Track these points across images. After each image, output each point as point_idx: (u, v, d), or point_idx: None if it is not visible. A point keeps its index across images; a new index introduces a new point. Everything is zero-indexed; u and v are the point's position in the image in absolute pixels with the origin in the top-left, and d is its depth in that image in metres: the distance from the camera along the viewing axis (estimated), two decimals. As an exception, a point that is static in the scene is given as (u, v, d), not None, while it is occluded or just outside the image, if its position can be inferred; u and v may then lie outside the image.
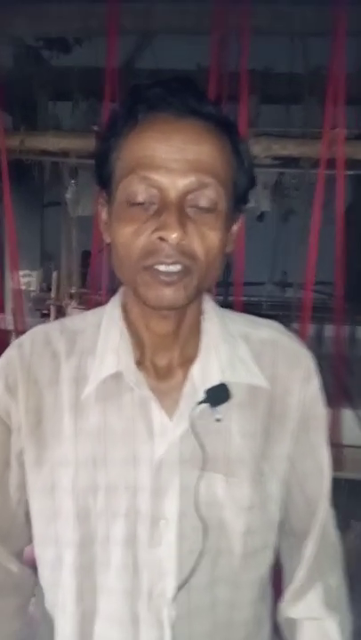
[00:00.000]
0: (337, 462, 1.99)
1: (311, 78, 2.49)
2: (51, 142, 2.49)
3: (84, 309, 3.29)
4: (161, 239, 0.73)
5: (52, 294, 3.26)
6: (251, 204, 2.96)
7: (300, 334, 2.14)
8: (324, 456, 0.97)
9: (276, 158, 2.57)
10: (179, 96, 0.76)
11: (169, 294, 0.76)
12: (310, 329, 2.65)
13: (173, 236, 0.72)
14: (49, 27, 2.34)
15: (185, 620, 0.87)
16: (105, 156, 0.80)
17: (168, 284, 0.76)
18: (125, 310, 0.89)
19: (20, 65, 3.13)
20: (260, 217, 3.36)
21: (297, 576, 0.98)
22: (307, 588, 0.97)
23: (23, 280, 3.51)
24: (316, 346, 3.08)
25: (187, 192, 0.74)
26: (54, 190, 3.45)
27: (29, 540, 0.94)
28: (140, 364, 0.87)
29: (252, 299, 3.53)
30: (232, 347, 0.89)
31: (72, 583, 0.88)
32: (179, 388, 0.86)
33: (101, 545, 0.86)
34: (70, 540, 0.87)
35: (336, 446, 1.90)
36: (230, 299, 3.52)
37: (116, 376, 0.85)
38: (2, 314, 2.89)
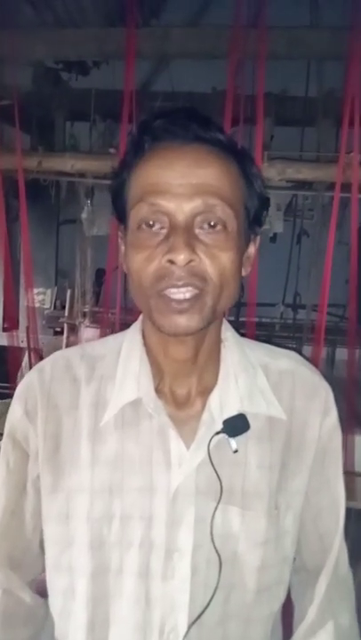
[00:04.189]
0: (349, 492, 1.95)
1: (325, 101, 2.50)
2: (68, 163, 2.52)
3: (97, 328, 3.30)
4: (170, 262, 0.74)
5: (66, 312, 3.27)
6: (264, 226, 2.96)
7: (314, 358, 2.13)
8: (339, 491, 0.95)
9: (289, 180, 2.58)
10: (181, 125, 0.78)
11: (183, 322, 0.76)
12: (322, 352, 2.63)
13: (181, 257, 0.73)
14: (67, 51, 2.38)
15: None
16: (120, 189, 0.82)
17: (181, 311, 0.76)
18: (145, 337, 0.89)
19: (38, 86, 3.18)
20: (273, 238, 3.36)
21: (308, 613, 0.96)
22: (317, 627, 0.95)
23: (37, 298, 3.53)
24: (328, 369, 3.05)
25: (194, 215, 0.75)
26: (70, 208, 3.48)
27: (43, 569, 0.93)
28: (158, 391, 0.86)
29: (264, 320, 3.52)
30: (251, 376, 0.89)
31: (84, 614, 0.86)
32: (197, 416, 0.85)
33: (114, 576, 0.85)
34: (83, 569, 0.86)
35: (349, 475, 1.86)
36: (242, 319, 3.52)
37: (136, 403, 0.85)
38: (16, 331, 2.91)
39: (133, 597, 0.84)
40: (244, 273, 0.85)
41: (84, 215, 2.96)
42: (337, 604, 0.96)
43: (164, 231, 0.76)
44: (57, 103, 3.21)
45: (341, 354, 3.27)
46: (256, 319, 3.56)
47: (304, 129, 3.08)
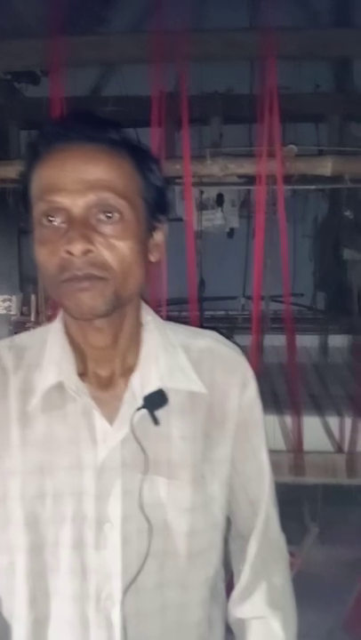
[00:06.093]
0: (299, 468, 2.06)
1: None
2: (18, 170, 2.54)
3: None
4: (69, 253, 0.79)
5: (32, 317, 3.30)
6: (220, 222, 3.03)
7: (252, 345, 2.20)
8: (264, 458, 1.01)
9: (241, 176, 2.64)
10: (73, 128, 0.83)
11: (87, 300, 0.81)
12: (282, 340, 2.71)
13: (78, 247, 0.78)
14: (10, 62, 2.42)
15: (134, 622, 0.89)
16: (24, 193, 0.87)
17: (82, 289, 0.81)
18: (66, 325, 0.94)
19: (-7, 98, 3.21)
20: (231, 233, 3.42)
21: (242, 576, 1.02)
22: (252, 588, 1.01)
23: (3, 304, 3.55)
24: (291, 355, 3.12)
25: (89, 207, 0.80)
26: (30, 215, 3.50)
27: None
28: (83, 375, 0.91)
29: (230, 312, 3.59)
30: (172, 356, 0.94)
31: (25, 589, 0.91)
32: (120, 396, 0.90)
33: (51, 550, 0.90)
34: (21, 546, 0.90)
35: (298, 453, 1.96)
36: (205, 314, 3.57)
37: (59, 387, 0.90)
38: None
39: (70, 569, 0.89)
40: (153, 259, 0.91)
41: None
42: (270, 565, 1.02)
43: (64, 225, 0.81)
44: (9, 113, 3.24)
45: (305, 341, 3.38)
46: (223, 312, 3.65)
47: (251, 126, 3.16)
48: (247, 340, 2.42)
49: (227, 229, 3.25)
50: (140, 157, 0.87)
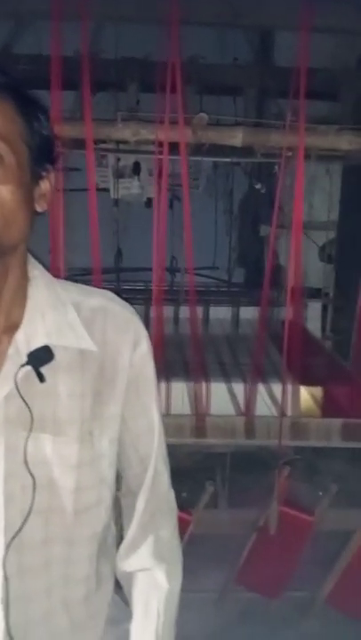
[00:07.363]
0: (200, 431, 2.15)
1: (186, 67, 2.56)
2: None
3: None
4: None
5: None
6: (136, 190, 3.00)
7: (156, 317, 2.23)
8: (154, 415, 1.03)
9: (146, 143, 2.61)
10: None
11: None
12: (197, 311, 2.75)
13: None
14: None
15: (17, 578, 0.90)
16: None
17: None
18: None
19: None
20: (148, 203, 3.41)
21: (130, 531, 1.04)
22: (139, 542, 1.03)
23: None
24: (203, 328, 3.21)
25: None
26: None
27: None
28: None
29: (150, 284, 3.59)
30: (61, 313, 0.93)
31: None
32: (3, 352, 0.89)
33: None
34: None
35: (200, 416, 2.05)
36: (123, 286, 3.55)
37: None
38: None
39: None
40: (39, 209, 0.89)
41: None
42: (158, 519, 1.05)
43: None
44: None
45: (220, 313, 3.49)
46: (142, 285, 3.64)
47: (168, 95, 3.13)
48: (163, 311, 2.44)
49: (144, 199, 3.23)
50: (25, 103, 0.85)
